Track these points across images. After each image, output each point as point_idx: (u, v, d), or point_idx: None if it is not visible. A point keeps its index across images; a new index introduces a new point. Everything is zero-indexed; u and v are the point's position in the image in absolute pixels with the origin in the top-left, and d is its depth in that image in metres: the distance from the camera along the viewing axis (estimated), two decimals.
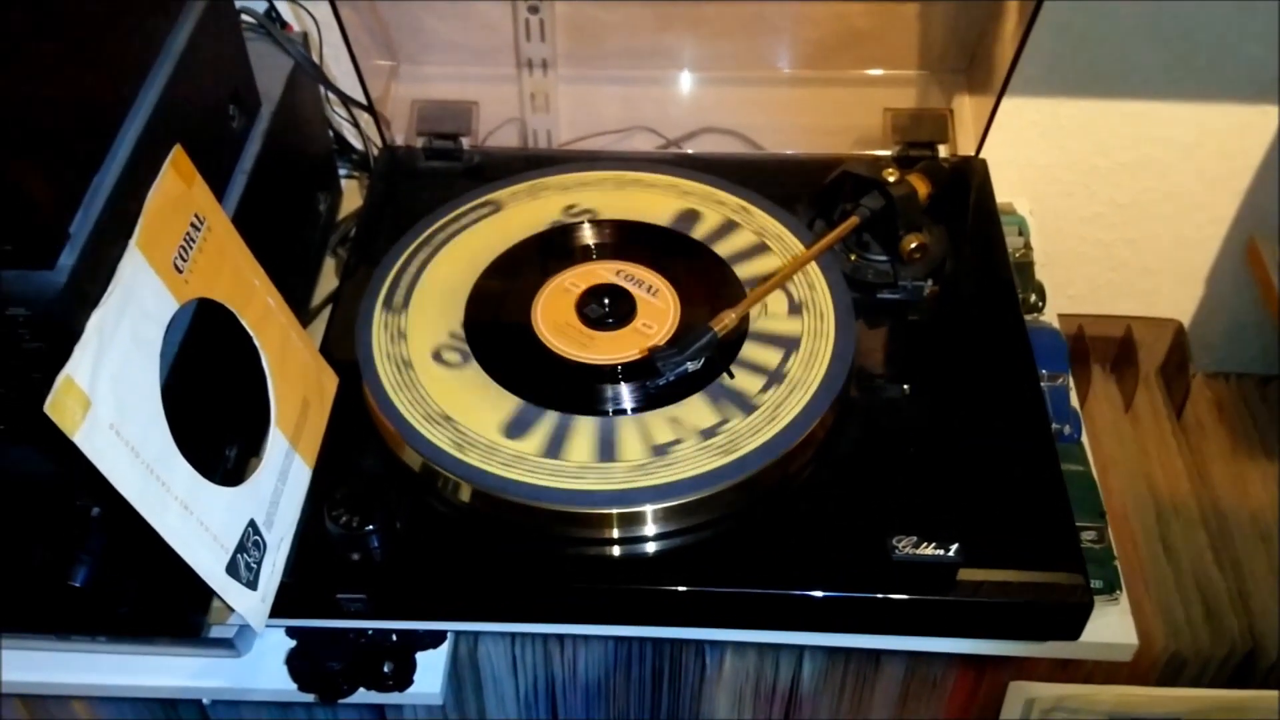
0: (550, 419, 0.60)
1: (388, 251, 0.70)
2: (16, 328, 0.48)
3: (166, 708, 0.71)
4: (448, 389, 0.62)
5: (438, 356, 0.64)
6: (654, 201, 0.73)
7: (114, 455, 0.45)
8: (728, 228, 0.71)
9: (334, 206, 0.85)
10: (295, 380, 0.60)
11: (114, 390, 0.45)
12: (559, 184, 0.75)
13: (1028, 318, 0.73)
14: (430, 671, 0.64)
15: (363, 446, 0.62)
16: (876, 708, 0.73)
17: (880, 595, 0.55)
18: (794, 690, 0.72)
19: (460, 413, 0.60)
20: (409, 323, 0.65)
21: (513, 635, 0.68)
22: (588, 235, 0.71)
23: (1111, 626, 0.61)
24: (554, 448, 0.59)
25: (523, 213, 0.72)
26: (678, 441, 0.59)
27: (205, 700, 0.68)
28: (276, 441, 0.57)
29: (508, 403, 0.61)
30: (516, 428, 0.60)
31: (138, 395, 0.48)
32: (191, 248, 0.52)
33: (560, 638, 0.68)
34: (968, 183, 0.77)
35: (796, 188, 0.74)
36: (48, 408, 0.42)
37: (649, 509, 0.57)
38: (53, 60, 0.49)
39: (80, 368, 0.44)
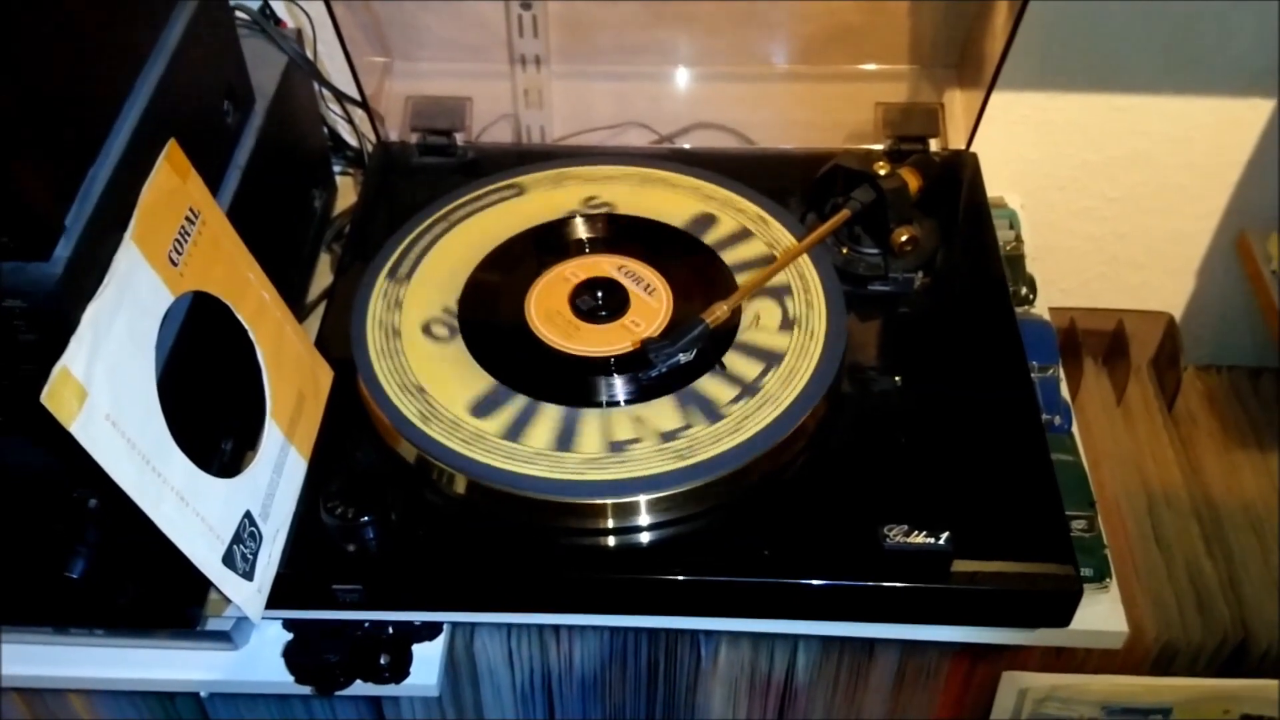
0: (544, 411, 0.61)
1: (383, 245, 0.70)
2: (12, 319, 0.48)
3: (164, 702, 0.72)
4: (442, 382, 0.62)
5: (432, 346, 0.64)
6: (649, 195, 0.73)
7: (110, 446, 0.46)
8: (721, 221, 0.71)
9: (329, 203, 0.86)
10: (290, 373, 0.60)
11: (110, 382, 0.46)
12: (557, 177, 0.75)
13: (1018, 310, 0.73)
14: (426, 664, 0.64)
15: (358, 439, 0.62)
16: (871, 699, 0.74)
17: (872, 583, 0.56)
18: (789, 682, 0.72)
19: (456, 406, 0.61)
20: (404, 317, 0.66)
21: (508, 628, 0.68)
22: (583, 229, 0.72)
23: (1102, 615, 0.62)
24: (547, 439, 0.59)
25: (519, 206, 0.73)
26: (669, 432, 0.59)
27: (203, 693, 0.69)
28: (272, 434, 0.58)
29: (502, 395, 0.61)
30: (509, 420, 0.60)
31: (133, 387, 0.48)
32: (186, 241, 0.52)
33: (556, 630, 0.69)
34: (959, 176, 0.78)
35: (789, 182, 0.75)
36: (44, 398, 0.42)
37: (643, 499, 0.57)
38: (48, 54, 0.49)
39: (76, 359, 0.44)
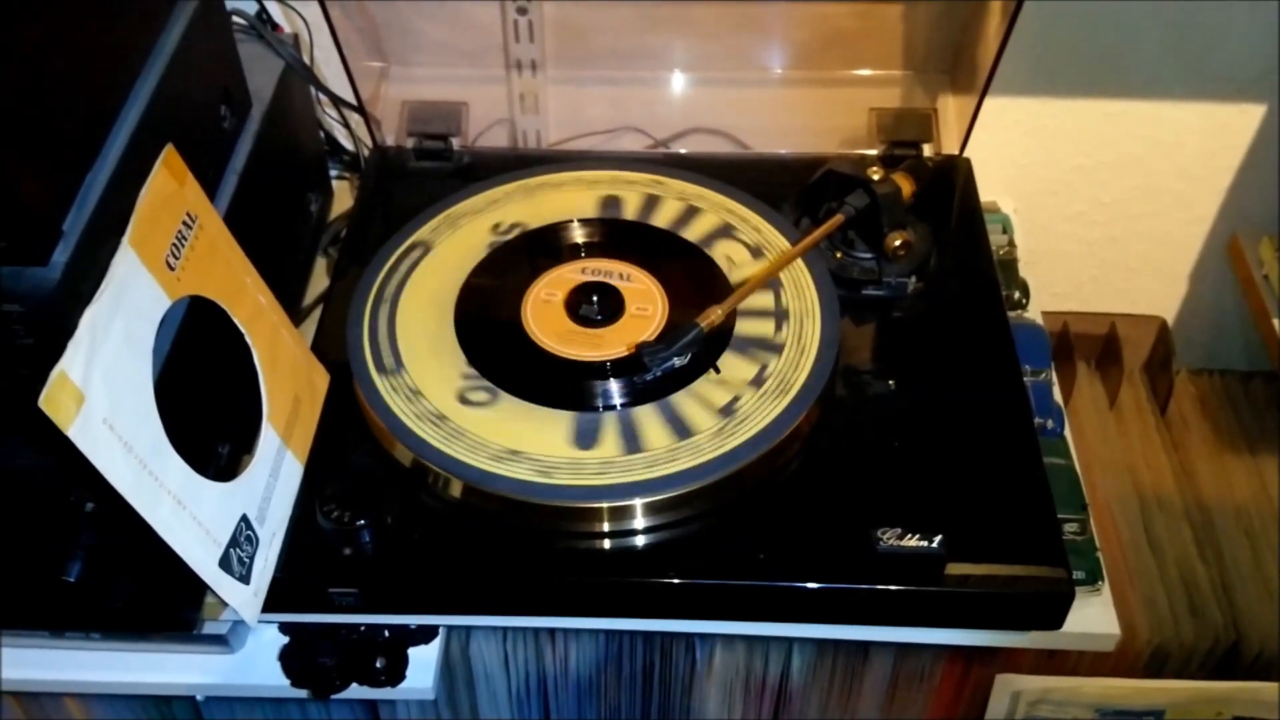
0: (539, 414, 0.61)
1: (379, 250, 0.70)
2: (10, 324, 0.48)
3: (161, 706, 0.72)
4: (436, 385, 0.62)
5: (427, 352, 0.64)
6: (644, 200, 0.74)
7: (107, 449, 0.46)
8: (716, 226, 0.72)
9: (325, 207, 0.86)
10: (286, 377, 0.60)
11: (107, 386, 0.46)
12: (555, 181, 0.75)
13: (1011, 314, 0.74)
14: (422, 667, 0.64)
15: (354, 443, 0.62)
16: (865, 702, 0.74)
17: (866, 586, 0.56)
18: (783, 685, 0.73)
19: (450, 409, 0.61)
20: (399, 320, 0.66)
21: (504, 631, 0.68)
22: (579, 234, 0.72)
23: (1094, 617, 0.62)
24: (543, 443, 0.59)
25: (517, 210, 0.73)
26: (662, 437, 0.59)
27: (199, 697, 0.69)
28: (268, 438, 0.58)
29: (497, 399, 0.62)
30: (506, 424, 0.60)
31: (131, 391, 0.48)
32: (183, 246, 0.52)
33: (551, 633, 0.69)
34: (952, 181, 0.78)
35: (783, 187, 0.75)
36: (42, 402, 0.43)
37: (637, 503, 0.57)
38: (46, 59, 0.49)
39: (74, 363, 0.44)
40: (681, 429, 0.60)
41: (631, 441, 0.59)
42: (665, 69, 0.81)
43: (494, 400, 0.62)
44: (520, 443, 0.59)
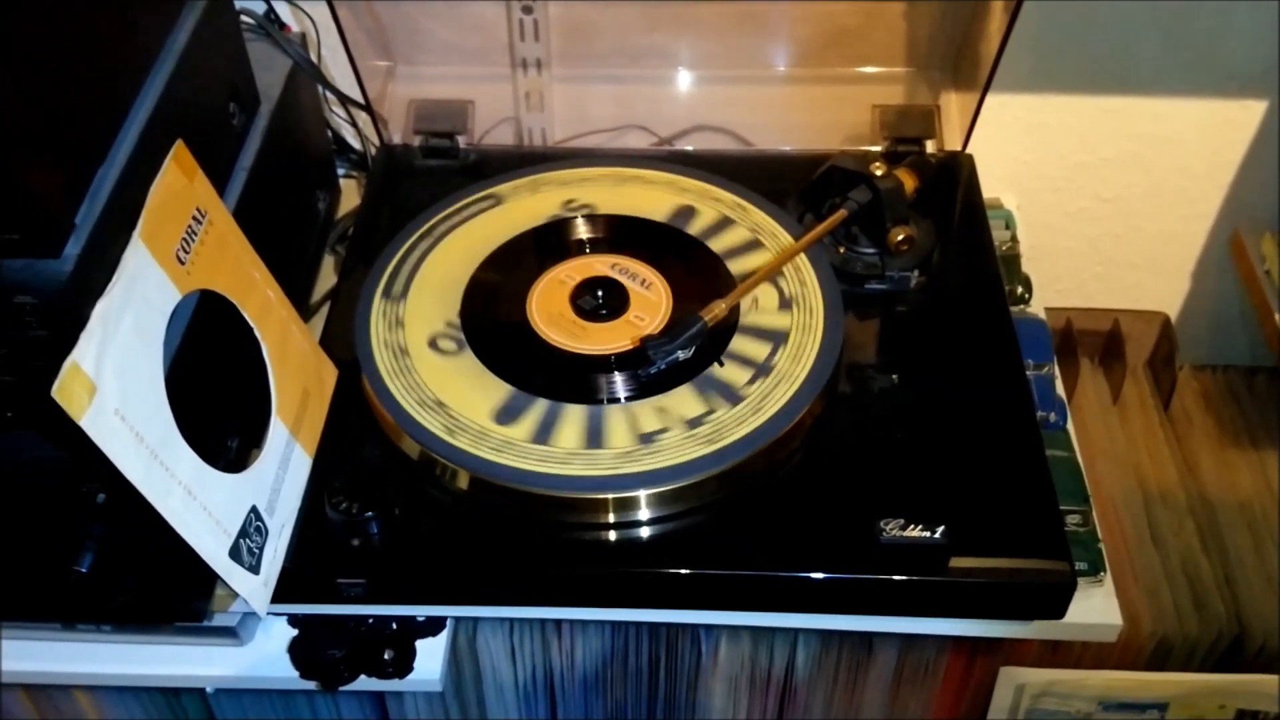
0: (543, 407, 0.61)
1: (387, 243, 0.71)
2: (23, 315, 0.49)
3: (170, 698, 0.72)
4: (444, 378, 0.63)
5: (434, 346, 0.65)
6: (649, 197, 0.74)
7: (119, 440, 0.46)
8: (720, 222, 0.72)
9: (333, 205, 0.86)
10: (295, 371, 0.61)
11: (118, 377, 0.47)
12: (559, 179, 0.76)
13: (1014, 309, 0.74)
14: (430, 659, 0.64)
15: (362, 436, 0.63)
16: (869, 695, 0.74)
17: (869, 576, 0.56)
18: (788, 679, 0.73)
19: (456, 401, 0.61)
20: (407, 313, 0.66)
21: (511, 623, 0.69)
22: (583, 229, 0.72)
23: (1097, 608, 0.62)
24: (546, 435, 0.60)
25: (522, 207, 0.74)
26: (667, 430, 0.60)
27: (208, 689, 0.69)
28: (277, 431, 0.58)
29: (502, 391, 0.62)
30: (510, 415, 0.61)
31: (141, 383, 0.49)
32: (193, 240, 0.53)
33: (558, 626, 0.69)
34: (954, 177, 0.78)
35: (787, 183, 0.76)
36: (55, 393, 0.43)
37: (642, 494, 0.58)
38: (59, 56, 0.50)
39: (86, 354, 0.45)
40: (686, 421, 0.60)
41: (636, 434, 0.60)
42: (670, 67, 0.82)
43: (496, 390, 0.62)
44: (519, 430, 0.60)
